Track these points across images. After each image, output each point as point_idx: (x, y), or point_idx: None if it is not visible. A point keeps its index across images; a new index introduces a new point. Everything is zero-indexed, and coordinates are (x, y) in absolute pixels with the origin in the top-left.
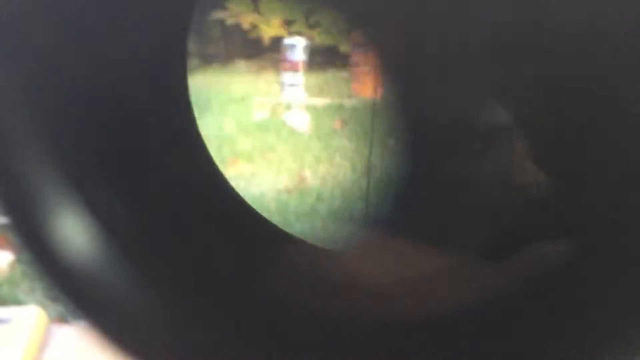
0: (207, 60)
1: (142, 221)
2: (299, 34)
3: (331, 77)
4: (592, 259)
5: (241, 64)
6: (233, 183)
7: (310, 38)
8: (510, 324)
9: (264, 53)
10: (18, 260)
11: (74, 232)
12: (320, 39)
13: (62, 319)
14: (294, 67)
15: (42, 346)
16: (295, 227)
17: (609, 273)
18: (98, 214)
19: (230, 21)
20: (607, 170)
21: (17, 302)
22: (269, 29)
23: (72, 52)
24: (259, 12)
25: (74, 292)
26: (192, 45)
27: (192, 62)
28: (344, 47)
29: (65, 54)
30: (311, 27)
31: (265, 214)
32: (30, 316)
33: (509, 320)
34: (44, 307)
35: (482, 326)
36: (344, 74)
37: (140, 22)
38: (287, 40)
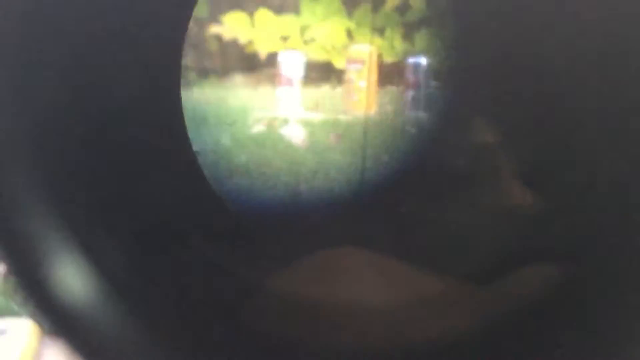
0: (204, 74)
1: (137, 262)
2: (294, 49)
3: (326, 92)
4: (587, 279)
5: (238, 78)
6: (229, 197)
7: (305, 53)
8: (509, 345)
9: (261, 67)
10: None
11: (69, 275)
12: (315, 54)
13: None
14: (289, 82)
15: (36, 358)
16: None
17: (604, 293)
18: (92, 256)
19: (227, 35)
20: (597, 188)
21: (11, 313)
22: (265, 44)
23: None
24: (255, 27)
25: (70, 333)
26: (188, 59)
27: (189, 76)
28: (338, 63)
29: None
30: (306, 42)
31: None
32: (25, 328)
33: (508, 342)
34: None
35: (481, 350)
36: (338, 89)
37: (134, 35)
38: (283, 56)
